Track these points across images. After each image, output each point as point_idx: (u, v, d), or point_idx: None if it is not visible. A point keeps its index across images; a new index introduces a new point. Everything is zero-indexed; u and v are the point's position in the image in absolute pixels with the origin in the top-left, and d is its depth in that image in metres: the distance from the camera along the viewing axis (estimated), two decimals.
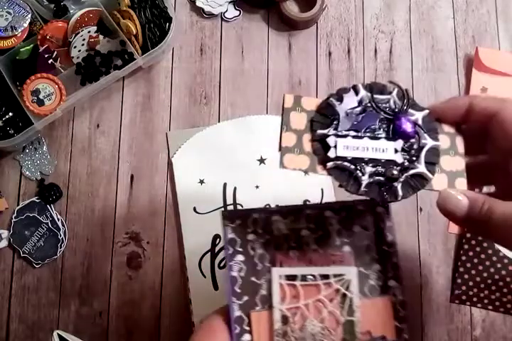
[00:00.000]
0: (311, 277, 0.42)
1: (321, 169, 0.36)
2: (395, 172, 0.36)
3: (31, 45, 0.67)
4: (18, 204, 0.68)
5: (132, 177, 0.69)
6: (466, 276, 0.65)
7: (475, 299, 0.65)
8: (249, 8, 0.74)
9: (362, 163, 0.36)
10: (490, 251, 0.66)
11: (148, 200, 0.68)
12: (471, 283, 0.65)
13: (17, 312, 0.66)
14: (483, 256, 0.66)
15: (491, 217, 0.34)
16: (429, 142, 0.37)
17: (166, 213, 0.68)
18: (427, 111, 0.38)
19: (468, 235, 0.66)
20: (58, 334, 0.61)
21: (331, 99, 0.38)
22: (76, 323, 0.65)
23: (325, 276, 0.42)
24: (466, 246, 0.66)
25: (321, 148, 0.37)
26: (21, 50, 0.66)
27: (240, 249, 0.43)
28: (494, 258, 0.65)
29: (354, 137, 0.37)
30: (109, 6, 0.68)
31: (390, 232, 0.42)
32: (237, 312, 0.42)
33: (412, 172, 0.36)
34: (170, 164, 0.69)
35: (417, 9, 0.75)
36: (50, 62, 0.66)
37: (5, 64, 0.66)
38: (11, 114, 0.67)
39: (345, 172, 0.36)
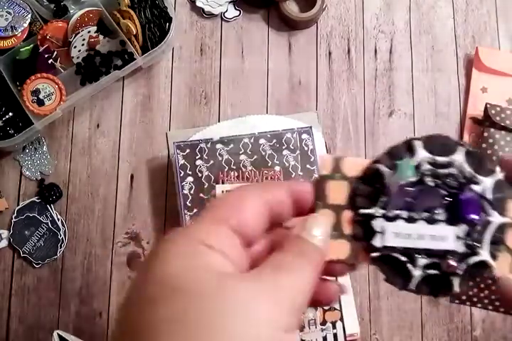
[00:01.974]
0: None
1: (363, 258, 0.27)
2: (454, 264, 0.29)
3: (31, 45, 0.67)
4: (18, 204, 0.68)
5: (132, 177, 0.69)
6: None
7: (475, 299, 0.65)
8: (249, 8, 0.74)
9: (414, 254, 0.28)
10: None
11: (148, 200, 0.68)
12: (471, 283, 0.65)
13: (17, 312, 0.66)
14: None
15: None
16: (496, 219, 0.28)
17: (166, 213, 0.68)
18: (499, 177, 0.28)
19: None
20: (58, 334, 0.62)
21: (380, 164, 0.28)
22: (76, 323, 0.65)
23: None
24: None
25: (363, 233, 0.28)
26: (21, 50, 0.67)
27: (190, 172, 0.54)
28: None
29: (407, 220, 0.28)
30: (109, 6, 0.68)
31: (312, 154, 0.56)
32: (188, 222, 0.53)
33: (473, 261, 0.29)
34: (170, 164, 0.69)
35: (417, 9, 0.75)
36: (50, 62, 0.66)
37: (5, 64, 0.66)
38: (11, 114, 0.67)
39: (393, 264, 0.28)
